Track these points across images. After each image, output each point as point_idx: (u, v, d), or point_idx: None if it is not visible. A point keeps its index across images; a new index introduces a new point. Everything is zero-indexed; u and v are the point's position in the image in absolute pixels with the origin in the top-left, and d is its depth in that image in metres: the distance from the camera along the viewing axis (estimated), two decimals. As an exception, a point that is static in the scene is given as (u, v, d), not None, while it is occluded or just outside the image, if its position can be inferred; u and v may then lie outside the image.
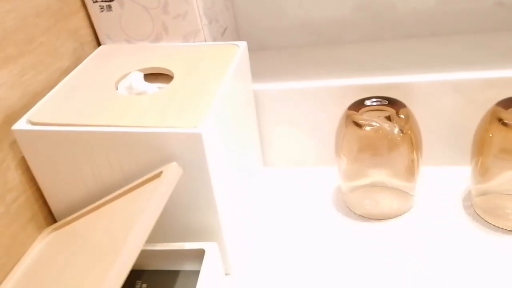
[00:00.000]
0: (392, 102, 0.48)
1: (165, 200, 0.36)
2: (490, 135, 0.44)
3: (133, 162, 0.41)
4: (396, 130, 0.46)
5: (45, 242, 0.44)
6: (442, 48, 0.59)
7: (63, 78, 0.48)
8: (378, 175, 0.50)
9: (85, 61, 0.51)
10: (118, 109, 0.42)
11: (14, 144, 0.43)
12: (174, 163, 0.39)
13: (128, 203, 0.39)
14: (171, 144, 0.39)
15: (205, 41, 0.52)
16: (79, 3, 0.52)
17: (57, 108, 0.43)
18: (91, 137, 0.40)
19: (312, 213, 0.53)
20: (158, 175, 0.38)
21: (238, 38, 0.65)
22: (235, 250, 0.47)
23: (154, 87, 0.45)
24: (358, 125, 0.47)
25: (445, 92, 0.52)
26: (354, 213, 0.52)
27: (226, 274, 0.47)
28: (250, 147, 0.55)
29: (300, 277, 0.45)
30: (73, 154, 0.42)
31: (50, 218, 0.47)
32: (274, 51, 0.64)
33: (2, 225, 0.41)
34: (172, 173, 0.38)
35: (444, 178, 0.54)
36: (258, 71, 0.56)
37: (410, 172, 0.49)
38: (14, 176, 0.43)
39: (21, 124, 0.42)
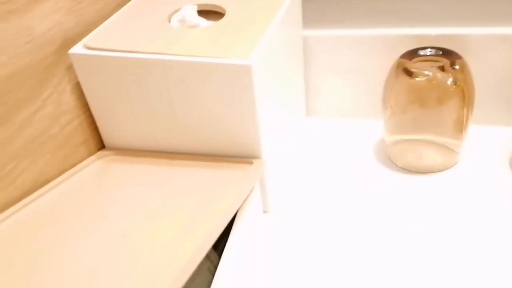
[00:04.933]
0: (447, 53, 0.47)
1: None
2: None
3: (182, 92, 0.42)
4: (450, 80, 0.45)
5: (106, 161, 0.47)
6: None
7: (118, 9, 0.49)
8: (424, 129, 0.49)
9: (139, -5, 0.51)
10: (170, 39, 0.42)
11: (70, 69, 0.44)
12: (261, 160, 0.42)
13: (208, 184, 0.41)
14: (220, 74, 0.39)
15: (258, -19, 0.52)
16: None
17: (112, 36, 0.44)
18: (143, 64, 0.41)
19: (352, 162, 0.53)
20: (246, 161, 0.42)
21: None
22: (275, 189, 0.48)
23: (205, 21, 0.46)
24: (409, 74, 0.46)
25: (506, 46, 0.49)
26: (396, 165, 0.51)
27: (264, 212, 0.47)
28: (295, 93, 0.55)
29: (337, 224, 0.46)
30: (125, 80, 0.43)
31: (101, 144, 0.49)
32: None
33: (56, 145, 0.44)
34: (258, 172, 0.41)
35: (494, 138, 0.52)
36: (310, 17, 0.55)
37: (458, 128, 0.48)
38: (69, 100, 0.45)
39: (77, 49, 0.43)
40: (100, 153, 0.48)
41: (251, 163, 0.43)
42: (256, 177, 0.43)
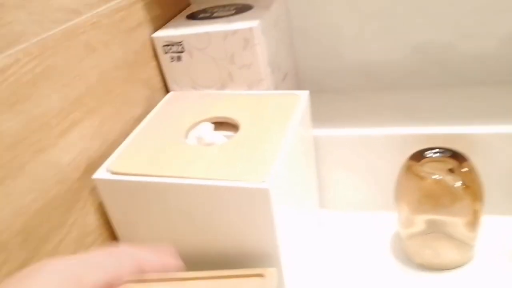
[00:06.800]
0: (455, 154, 0.48)
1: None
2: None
3: (202, 211, 0.43)
4: (459, 183, 0.46)
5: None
6: (506, 96, 0.58)
7: (136, 125, 0.52)
8: (439, 225, 0.50)
9: (155, 109, 0.54)
10: (188, 160, 0.44)
11: (93, 191, 0.46)
12: (274, 269, 0.40)
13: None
14: (238, 197, 0.41)
15: (267, 88, 0.55)
16: (151, 54, 0.55)
17: (132, 158, 0.46)
18: (163, 187, 0.43)
19: (369, 258, 0.53)
20: (257, 274, 0.39)
21: (297, 81, 0.67)
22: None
23: (222, 137, 0.48)
24: (419, 176, 0.48)
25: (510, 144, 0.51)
26: (414, 262, 0.52)
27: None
28: (309, 191, 0.56)
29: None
30: (147, 201, 0.45)
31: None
32: (333, 95, 0.65)
33: (81, 266, 0.45)
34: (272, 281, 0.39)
35: (506, 228, 0.53)
36: (317, 115, 0.58)
37: (472, 223, 0.49)
38: (92, 220, 0.46)
39: (101, 173, 0.45)
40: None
41: (271, 274, 0.43)
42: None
